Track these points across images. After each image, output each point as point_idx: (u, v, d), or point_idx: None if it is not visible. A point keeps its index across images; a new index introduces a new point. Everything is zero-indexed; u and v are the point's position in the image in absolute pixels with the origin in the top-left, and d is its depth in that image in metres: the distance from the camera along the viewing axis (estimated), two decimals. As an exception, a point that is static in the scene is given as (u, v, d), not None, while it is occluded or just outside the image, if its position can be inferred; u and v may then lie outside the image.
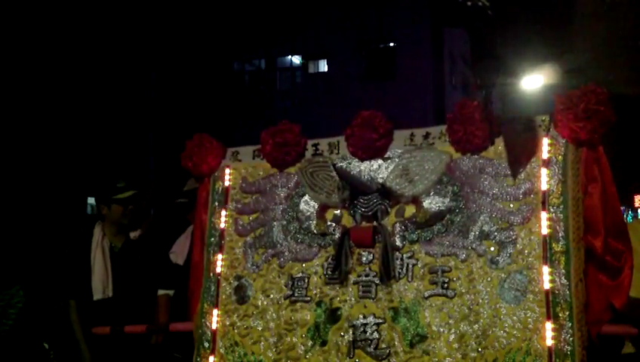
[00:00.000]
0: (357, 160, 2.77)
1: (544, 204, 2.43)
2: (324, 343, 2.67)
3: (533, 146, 2.47)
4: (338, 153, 2.84)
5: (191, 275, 3.10)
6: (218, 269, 2.96)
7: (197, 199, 3.15)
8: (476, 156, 2.58)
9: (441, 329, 2.49)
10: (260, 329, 2.81)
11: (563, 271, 2.36)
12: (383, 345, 2.57)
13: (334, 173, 2.79)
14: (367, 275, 2.67)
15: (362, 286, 2.67)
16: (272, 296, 2.82)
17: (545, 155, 2.46)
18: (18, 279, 4.40)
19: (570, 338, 2.30)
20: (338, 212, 2.79)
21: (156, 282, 4.06)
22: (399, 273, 2.60)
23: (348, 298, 2.68)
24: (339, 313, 2.68)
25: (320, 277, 2.75)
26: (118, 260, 3.96)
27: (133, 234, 4.07)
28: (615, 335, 2.64)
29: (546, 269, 2.38)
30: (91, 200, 16.39)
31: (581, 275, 2.35)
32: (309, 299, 2.75)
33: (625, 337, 2.85)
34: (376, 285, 2.64)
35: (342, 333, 2.65)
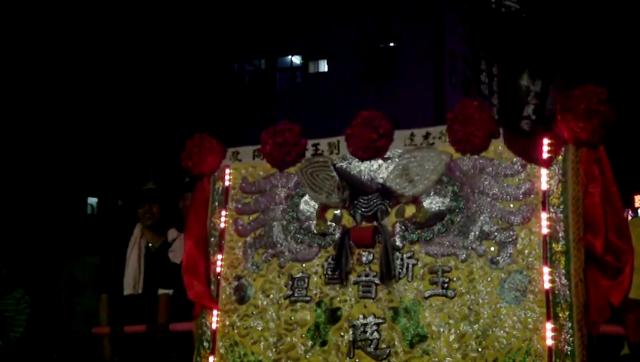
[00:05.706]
0: (357, 160, 2.77)
1: (544, 204, 2.43)
2: (324, 343, 2.67)
3: (533, 146, 2.47)
4: (338, 153, 2.84)
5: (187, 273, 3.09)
6: (218, 269, 2.96)
7: (194, 197, 3.14)
8: (476, 156, 2.58)
9: (441, 330, 2.49)
10: (259, 329, 2.81)
11: (563, 271, 2.36)
12: (383, 345, 2.57)
13: (334, 173, 2.79)
14: (367, 275, 2.67)
15: (362, 286, 2.66)
16: (271, 296, 2.82)
17: (545, 155, 2.45)
18: (22, 282, 4.45)
19: (570, 339, 2.30)
20: (338, 212, 2.79)
21: (155, 282, 4.09)
22: (399, 273, 2.60)
23: (348, 298, 2.68)
24: (339, 313, 2.68)
25: (320, 277, 2.75)
26: (153, 260, 4.11)
27: (171, 237, 4.20)
28: (613, 335, 2.64)
29: (546, 269, 2.38)
30: (91, 201, 16.41)
31: (581, 275, 2.35)
32: (309, 299, 2.75)
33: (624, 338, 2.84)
34: (376, 285, 2.63)
35: (342, 333, 2.65)
